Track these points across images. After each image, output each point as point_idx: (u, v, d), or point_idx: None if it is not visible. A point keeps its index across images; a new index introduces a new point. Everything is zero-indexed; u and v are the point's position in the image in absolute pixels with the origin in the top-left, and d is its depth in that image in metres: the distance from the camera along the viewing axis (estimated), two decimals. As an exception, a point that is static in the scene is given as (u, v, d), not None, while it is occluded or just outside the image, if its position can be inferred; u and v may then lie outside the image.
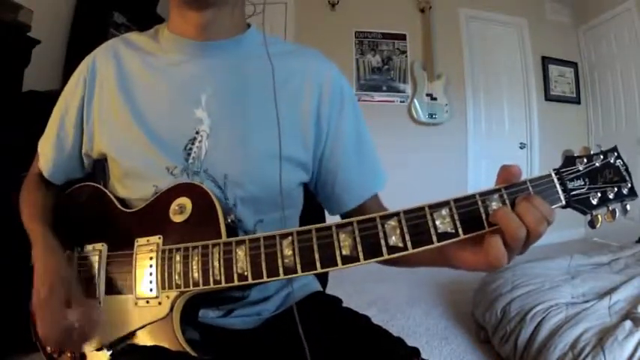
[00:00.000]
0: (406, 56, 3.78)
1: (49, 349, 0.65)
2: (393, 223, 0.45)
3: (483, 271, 0.47)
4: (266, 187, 0.65)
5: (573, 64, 4.09)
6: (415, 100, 3.68)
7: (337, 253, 0.46)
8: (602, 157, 0.47)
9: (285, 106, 0.66)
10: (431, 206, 0.44)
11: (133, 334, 0.58)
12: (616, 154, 0.48)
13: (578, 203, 0.46)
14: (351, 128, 0.71)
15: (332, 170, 0.70)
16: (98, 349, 0.60)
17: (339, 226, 0.46)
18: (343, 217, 0.74)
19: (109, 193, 0.68)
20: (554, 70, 4.01)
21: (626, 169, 0.48)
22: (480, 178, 3.83)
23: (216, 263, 0.52)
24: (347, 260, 0.45)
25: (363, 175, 0.71)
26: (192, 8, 0.63)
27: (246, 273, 0.50)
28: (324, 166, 0.70)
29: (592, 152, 0.47)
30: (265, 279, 0.49)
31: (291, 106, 0.67)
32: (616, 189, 0.47)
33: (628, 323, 1.31)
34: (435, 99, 3.69)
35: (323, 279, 0.90)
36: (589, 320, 1.40)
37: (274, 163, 0.64)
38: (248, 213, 0.65)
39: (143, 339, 0.57)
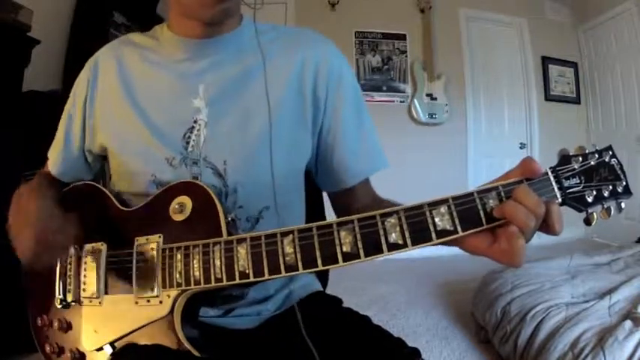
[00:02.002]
0: (406, 56, 3.79)
1: (47, 348, 0.65)
2: (393, 220, 0.45)
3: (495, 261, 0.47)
4: (266, 171, 0.65)
5: (573, 64, 4.09)
6: (415, 100, 3.68)
7: (338, 250, 0.46)
8: (597, 155, 0.47)
9: (283, 88, 0.67)
10: (430, 204, 0.45)
11: (133, 333, 0.58)
12: (611, 152, 0.48)
13: (574, 201, 0.46)
14: (349, 106, 0.71)
15: (330, 145, 0.71)
16: (98, 349, 0.60)
17: (339, 224, 0.47)
18: (335, 198, 0.75)
19: (107, 192, 0.68)
20: (554, 70, 4.01)
21: (621, 168, 0.48)
22: (480, 178, 3.81)
23: (217, 262, 0.52)
24: (348, 257, 0.46)
25: (362, 153, 0.72)
26: (201, 23, 0.64)
27: (247, 271, 0.50)
28: (323, 141, 0.71)
29: (587, 151, 0.48)
30: (267, 277, 0.49)
31: (289, 89, 0.68)
32: (611, 187, 0.47)
33: (628, 323, 1.31)
34: (435, 99, 3.70)
35: (323, 279, 0.90)
36: (589, 320, 1.40)
37: (272, 147, 0.65)
38: (251, 199, 0.66)
39: (143, 338, 0.57)
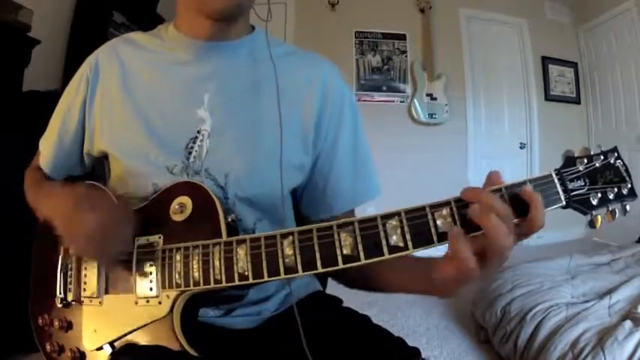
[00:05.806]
0: (406, 56, 3.78)
1: (48, 347, 0.65)
2: (394, 222, 0.44)
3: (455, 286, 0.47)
4: (266, 189, 0.65)
5: (573, 64, 4.09)
6: (415, 100, 3.68)
7: (338, 252, 0.46)
8: (602, 157, 0.47)
9: (288, 107, 0.66)
10: (432, 206, 0.44)
11: (132, 333, 0.58)
12: (616, 154, 0.48)
13: (579, 203, 0.45)
14: (348, 134, 0.71)
15: (325, 174, 0.70)
16: (98, 349, 0.60)
17: (339, 226, 0.46)
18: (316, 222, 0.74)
19: (109, 192, 0.68)
20: (554, 70, 4.01)
21: (626, 170, 0.48)
22: (480, 179, 3.70)
23: (217, 263, 0.52)
24: (348, 260, 0.45)
25: (356, 182, 0.71)
26: (212, 19, 0.63)
27: (246, 273, 0.50)
28: (318, 168, 0.70)
29: (592, 153, 0.47)
30: (266, 278, 0.49)
31: (294, 108, 0.67)
32: (616, 189, 0.47)
33: (628, 323, 1.31)
34: (435, 99, 3.69)
35: (323, 279, 0.90)
36: (589, 320, 1.40)
37: (275, 166, 0.64)
38: (247, 212, 0.66)
39: (143, 338, 0.57)
